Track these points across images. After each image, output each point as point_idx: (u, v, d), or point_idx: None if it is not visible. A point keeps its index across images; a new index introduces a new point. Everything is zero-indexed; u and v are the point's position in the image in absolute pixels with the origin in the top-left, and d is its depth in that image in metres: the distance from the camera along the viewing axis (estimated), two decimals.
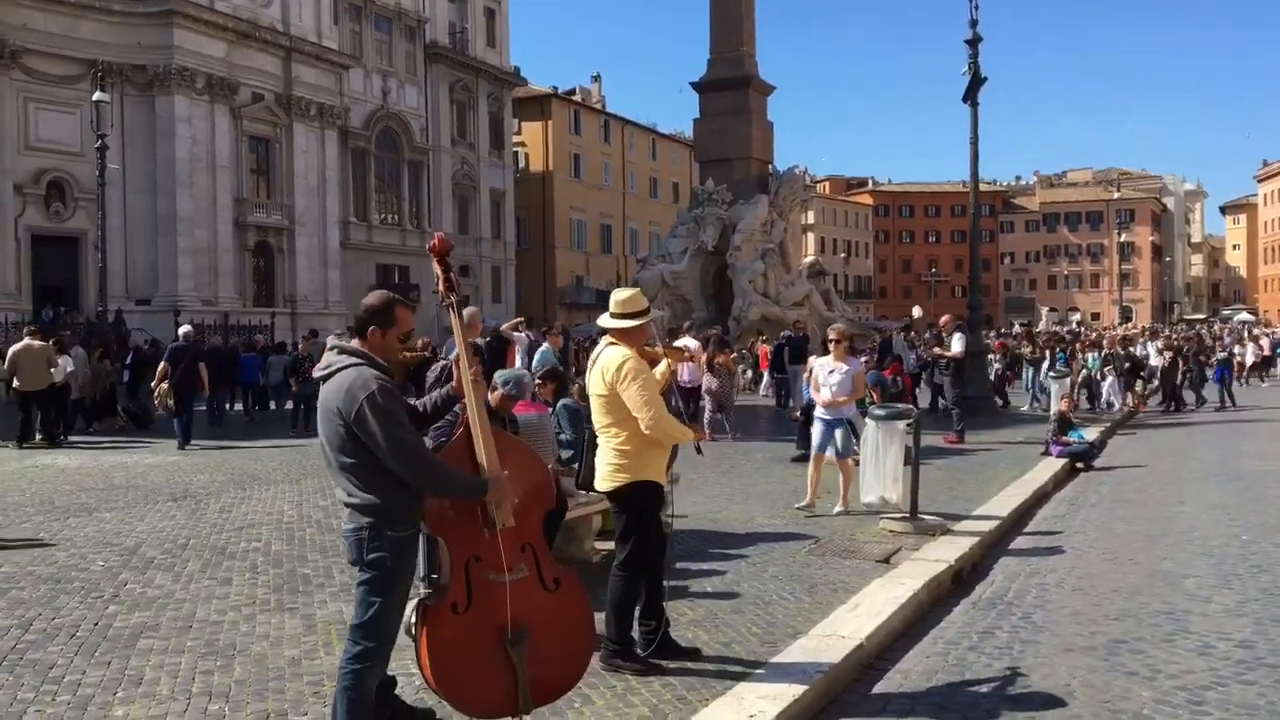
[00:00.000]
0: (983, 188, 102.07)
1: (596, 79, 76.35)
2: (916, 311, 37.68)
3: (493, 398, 6.56)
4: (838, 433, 9.53)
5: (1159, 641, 5.92)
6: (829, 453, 9.63)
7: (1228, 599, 6.86)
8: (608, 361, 5.18)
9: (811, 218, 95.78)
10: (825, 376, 9.58)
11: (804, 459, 13.15)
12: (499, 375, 6.52)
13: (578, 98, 70.03)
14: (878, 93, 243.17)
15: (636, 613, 5.29)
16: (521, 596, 4.17)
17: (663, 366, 5.47)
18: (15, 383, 15.81)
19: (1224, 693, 5.05)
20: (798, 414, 14.18)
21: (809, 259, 40.32)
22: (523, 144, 63.64)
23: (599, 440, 5.30)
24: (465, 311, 12.48)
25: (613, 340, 5.30)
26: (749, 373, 29.80)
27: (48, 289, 40.18)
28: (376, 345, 4.07)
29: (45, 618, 6.03)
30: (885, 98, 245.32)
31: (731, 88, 35.59)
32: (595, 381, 5.23)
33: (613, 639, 5.17)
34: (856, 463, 9.59)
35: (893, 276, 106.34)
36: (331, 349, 4.12)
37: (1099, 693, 5.10)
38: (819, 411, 9.72)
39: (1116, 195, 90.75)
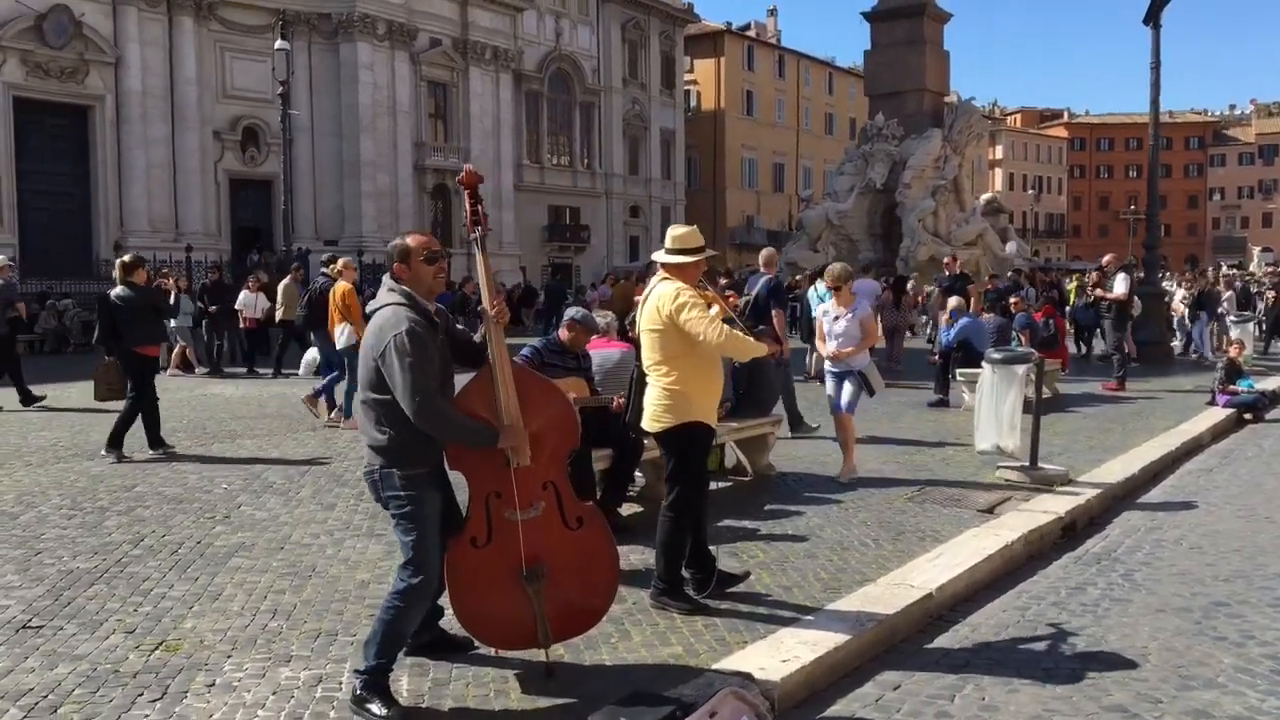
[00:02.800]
0: (1191, 118, 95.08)
1: (772, 12, 74.63)
2: (1107, 258, 35.87)
3: (562, 333, 6.61)
4: (847, 385, 8.41)
5: (1264, 606, 5.46)
6: (840, 410, 8.43)
7: None
8: (662, 294, 5.11)
9: (1000, 153, 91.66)
10: (830, 325, 8.44)
11: (942, 404, 12.79)
12: (569, 310, 6.54)
13: (752, 33, 68.78)
14: (1072, 17, 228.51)
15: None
16: (540, 534, 4.20)
17: (715, 310, 5.35)
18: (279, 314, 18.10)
19: None
20: (935, 356, 13.69)
21: (986, 195, 38.53)
22: (694, 82, 63.16)
23: (648, 379, 5.24)
24: (764, 252, 12.49)
25: (666, 276, 5.22)
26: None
27: (245, 230, 42.81)
28: (410, 280, 4.12)
29: (156, 535, 6.49)
30: (1079, 22, 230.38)
31: (904, 15, 34.21)
32: (649, 315, 5.16)
33: (661, 578, 5.16)
34: None
35: (1088, 214, 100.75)
36: (384, 286, 4.19)
37: (1176, 656, 4.76)
38: (827, 365, 8.57)
39: None
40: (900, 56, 33.92)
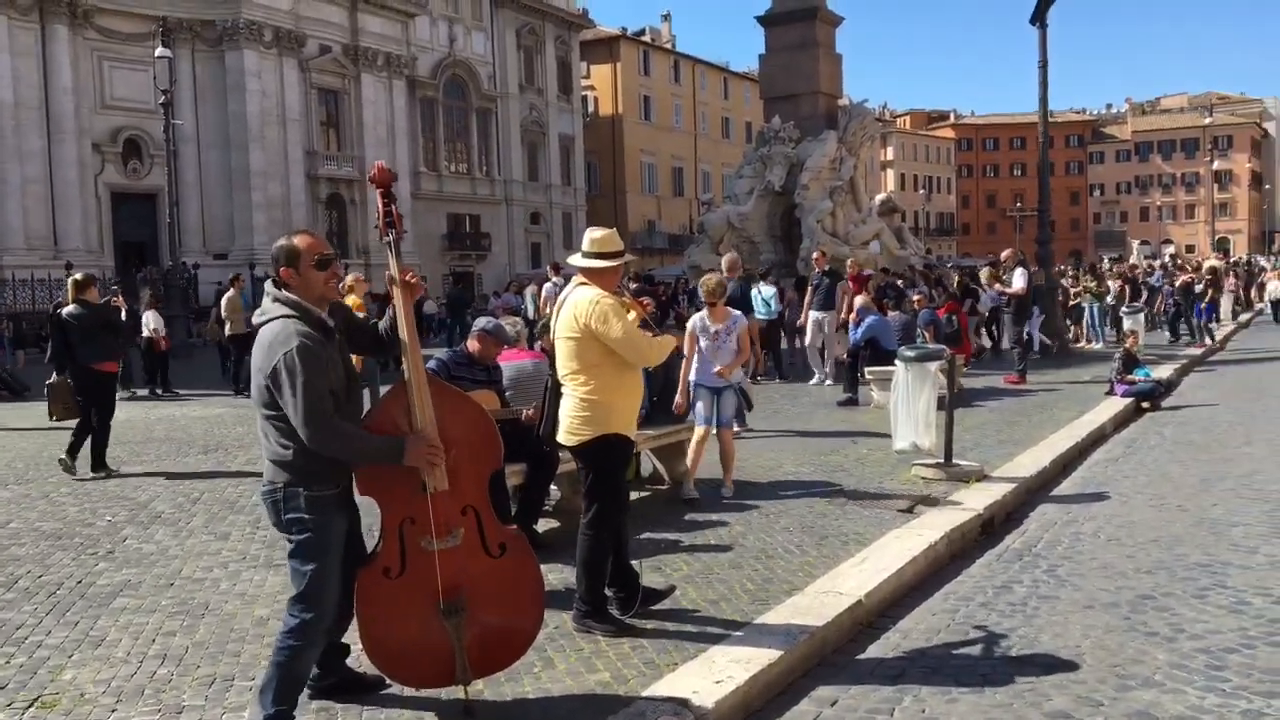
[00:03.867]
0: (1070, 117, 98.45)
1: (666, 18, 75.05)
2: (1005, 254, 36.69)
3: (471, 344, 6.31)
4: (728, 399, 7.94)
5: (1189, 598, 5.45)
6: (711, 424, 7.91)
7: (1276, 549, 6.32)
8: (580, 300, 4.84)
9: (891, 154, 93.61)
10: (710, 344, 7.83)
11: (851, 403, 12.79)
12: (478, 320, 6.25)
13: (647, 38, 69.04)
14: (957, 21, 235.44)
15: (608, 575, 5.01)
16: (459, 563, 3.90)
17: (632, 317, 5.12)
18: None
19: (1249, 656, 4.59)
20: (844, 356, 13.71)
21: (881, 196, 39.13)
22: (592, 88, 63.07)
23: (564, 389, 4.97)
24: (727, 256, 12.74)
25: (584, 281, 4.95)
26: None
27: (129, 245, 41.19)
28: (299, 287, 3.76)
29: (32, 575, 5.99)
30: (964, 26, 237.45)
31: (797, 20, 34.44)
32: (565, 323, 4.89)
33: (583, 599, 4.90)
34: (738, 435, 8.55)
35: (976, 212, 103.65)
36: (268, 295, 3.82)
37: (1110, 655, 4.68)
38: (695, 380, 7.92)
39: (1208, 121, 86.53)
40: (794, 60, 34.15)
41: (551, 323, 5.09)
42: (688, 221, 62.19)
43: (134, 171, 41.09)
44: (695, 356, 7.84)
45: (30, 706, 4.11)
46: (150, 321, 17.47)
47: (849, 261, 17.08)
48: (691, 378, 7.89)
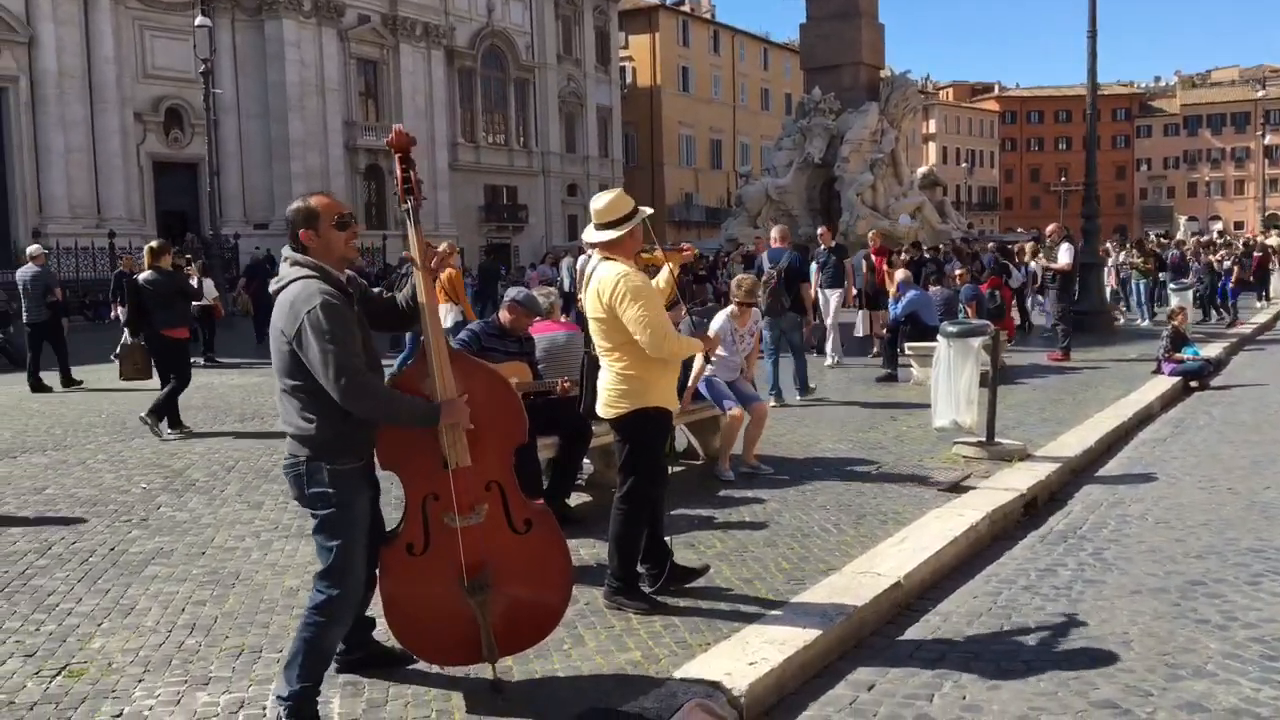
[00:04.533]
0: (1117, 90, 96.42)
1: None
2: (1051, 228, 36.39)
3: (502, 315, 6.21)
4: (744, 388, 7.86)
5: (1241, 584, 5.26)
6: (728, 405, 7.61)
7: None
8: (602, 279, 4.68)
9: (933, 126, 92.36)
10: (733, 345, 7.73)
11: (891, 378, 12.59)
12: (509, 291, 6.14)
13: (686, 7, 68.31)
14: None
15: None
16: (483, 539, 3.80)
17: (665, 273, 4.98)
18: None
19: None
20: (884, 331, 13.50)
21: (922, 169, 38.61)
22: (629, 58, 62.62)
23: (601, 364, 4.86)
24: (777, 228, 12.68)
25: (605, 255, 4.78)
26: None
27: (171, 214, 41.48)
28: (319, 249, 3.65)
29: (66, 542, 5.99)
30: None
31: None
32: (591, 303, 4.75)
33: (615, 575, 4.81)
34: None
35: (1020, 186, 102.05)
36: (285, 259, 3.71)
37: (1160, 643, 4.52)
38: (713, 374, 7.74)
39: (1260, 94, 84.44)
40: (836, 30, 33.71)
41: (580, 294, 4.95)
42: (725, 194, 61.74)
43: (175, 141, 41.32)
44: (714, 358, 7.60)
45: (58, 674, 4.08)
46: (210, 289, 17.52)
47: (870, 234, 16.68)
48: (709, 374, 7.67)
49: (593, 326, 4.80)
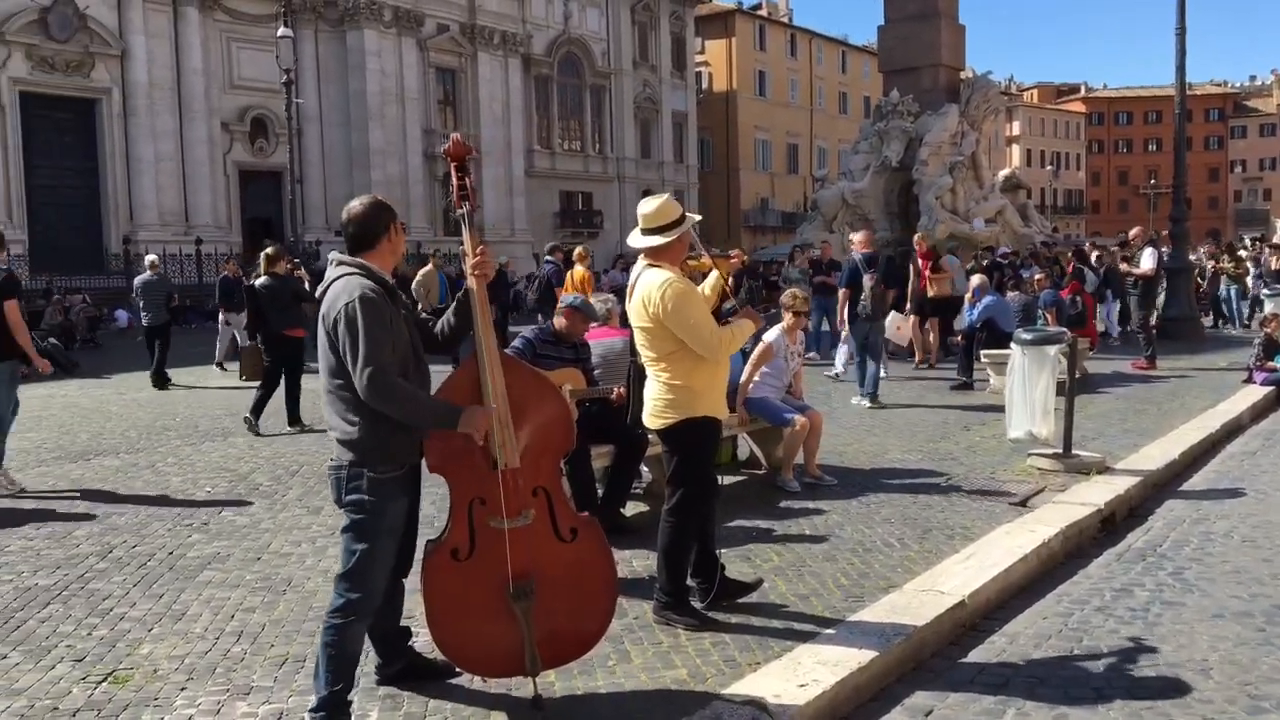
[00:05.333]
0: (1211, 90, 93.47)
1: None
2: (1134, 232, 35.29)
3: (557, 321, 6.13)
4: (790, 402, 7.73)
5: None
6: (789, 415, 7.45)
7: None
8: (648, 287, 4.54)
9: (1017, 129, 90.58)
10: (782, 365, 7.65)
11: (966, 387, 12.26)
12: (565, 296, 6.05)
13: (763, 12, 67.90)
14: None
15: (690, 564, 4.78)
16: (528, 545, 3.73)
17: (712, 279, 4.84)
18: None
19: None
20: (958, 338, 13.15)
21: (1004, 172, 37.74)
22: (705, 63, 62.45)
23: (648, 373, 4.73)
24: (861, 233, 12.37)
25: (651, 261, 4.65)
26: None
27: (255, 221, 42.45)
28: (387, 250, 3.72)
29: (127, 545, 6.06)
30: None
31: None
32: (637, 311, 4.62)
33: (664, 590, 4.68)
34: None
35: (1107, 189, 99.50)
36: (332, 261, 3.74)
37: (1241, 671, 4.25)
38: (768, 390, 7.63)
39: None
40: (915, 31, 33.07)
41: (626, 304, 4.84)
42: (802, 199, 61.15)
43: (260, 150, 42.26)
44: (758, 373, 7.50)
45: (104, 680, 4.09)
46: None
47: (916, 237, 15.87)
48: (759, 395, 7.51)
49: (638, 336, 4.69)
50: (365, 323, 3.45)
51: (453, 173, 3.96)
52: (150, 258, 16.00)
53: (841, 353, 13.31)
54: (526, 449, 3.77)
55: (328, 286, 3.64)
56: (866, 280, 11.29)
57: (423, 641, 4.12)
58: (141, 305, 14.92)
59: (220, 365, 16.47)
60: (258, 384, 10.61)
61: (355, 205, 3.74)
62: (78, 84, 37.08)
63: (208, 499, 7.29)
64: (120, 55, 37.68)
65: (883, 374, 11.66)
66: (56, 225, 36.26)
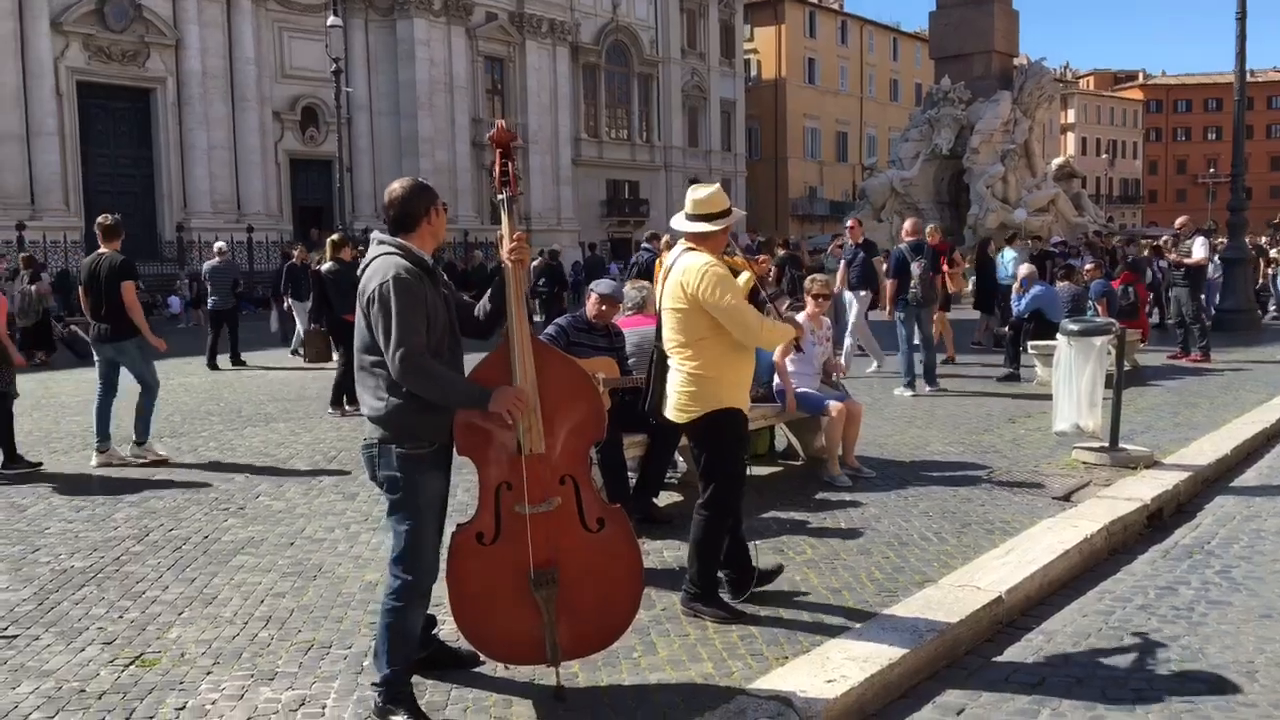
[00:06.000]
0: (1273, 76, 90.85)
1: None
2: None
3: (589, 309, 6.08)
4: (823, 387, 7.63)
5: None
6: (827, 403, 7.30)
7: None
8: (688, 268, 4.49)
9: (1072, 116, 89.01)
10: (811, 350, 7.42)
11: (1013, 378, 12.05)
12: (595, 283, 6.00)
13: None
14: None
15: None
16: (552, 533, 3.69)
17: (745, 277, 4.76)
18: None
19: None
20: (1004, 328, 12.92)
21: (1058, 160, 37.10)
22: (754, 51, 62.05)
23: (670, 363, 4.64)
24: (910, 221, 12.26)
25: (691, 246, 4.60)
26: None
27: (306, 209, 42.92)
28: (428, 232, 3.71)
29: (163, 529, 6.11)
30: None
31: None
32: (672, 292, 4.55)
33: (694, 582, 4.61)
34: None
35: (1164, 179, 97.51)
36: (374, 240, 3.76)
37: None
38: (800, 380, 7.47)
39: None
40: (967, 17, 32.63)
41: (657, 291, 4.77)
42: (850, 188, 60.63)
43: (311, 139, 42.67)
44: (790, 363, 7.35)
45: (131, 664, 4.11)
46: None
47: (929, 229, 15.12)
48: (795, 385, 7.36)
49: (669, 319, 4.61)
50: (399, 303, 3.47)
51: (496, 158, 3.94)
52: (219, 245, 17.01)
53: (846, 344, 13.20)
54: (555, 436, 3.73)
55: (368, 265, 3.66)
56: (915, 268, 11.40)
57: (448, 630, 4.10)
58: (210, 290, 15.59)
59: (295, 351, 16.67)
60: (319, 365, 10.98)
61: (395, 187, 3.74)
62: (133, 74, 37.67)
63: (246, 483, 7.34)
64: (175, 45, 38.19)
65: (918, 368, 11.40)
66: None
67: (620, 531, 3.85)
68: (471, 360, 3.72)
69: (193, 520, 6.31)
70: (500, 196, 3.88)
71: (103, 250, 8.23)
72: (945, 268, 13.86)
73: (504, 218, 3.84)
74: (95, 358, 8.32)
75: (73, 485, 7.40)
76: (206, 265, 16.26)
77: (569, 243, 44.70)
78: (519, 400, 3.59)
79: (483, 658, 3.96)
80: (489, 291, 3.87)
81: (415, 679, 3.81)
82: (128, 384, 8.28)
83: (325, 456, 8.28)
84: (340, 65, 28.83)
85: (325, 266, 10.96)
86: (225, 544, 5.79)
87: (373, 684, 3.67)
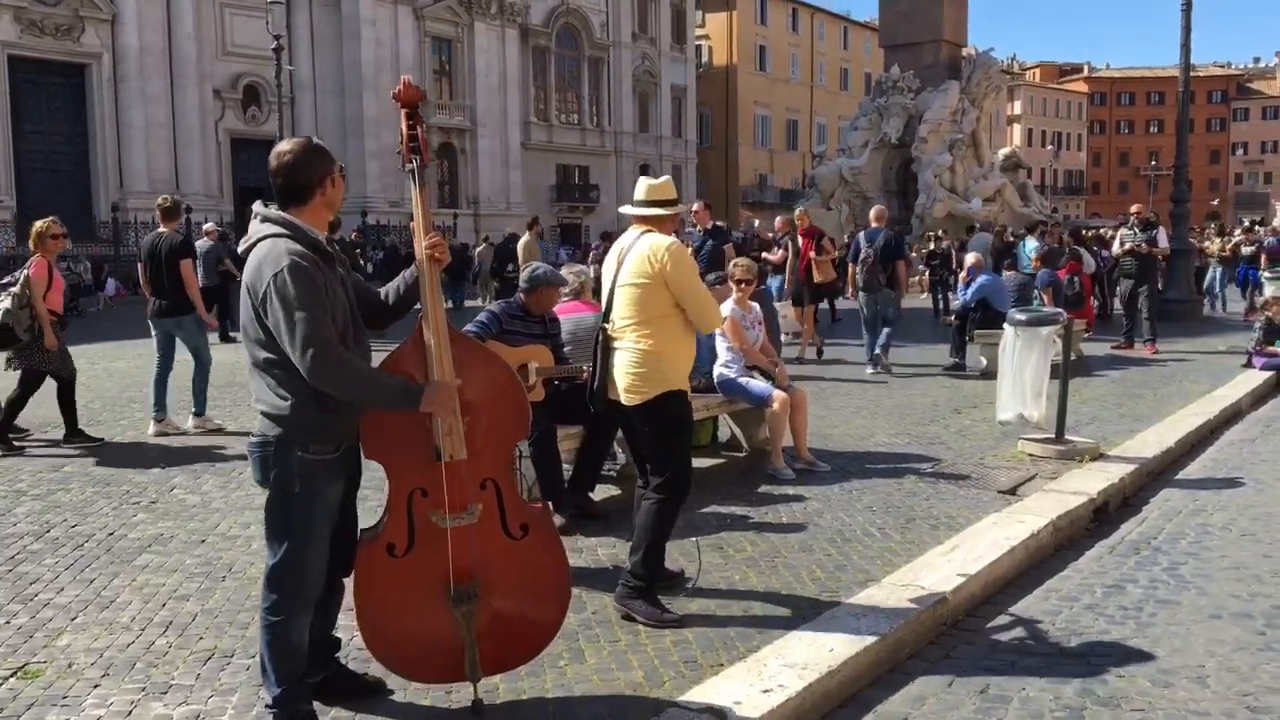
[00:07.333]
0: (1213, 71, 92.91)
1: None
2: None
3: (523, 296, 5.80)
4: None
5: None
6: (765, 393, 7.07)
7: None
8: (654, 245, 4.39)
9: (1019, 108, 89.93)
10: (752, 332, 7.36)
11: (958, 368, 11.96)
12: (530, 267, 5.73)
13: None
14: None
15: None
16: (474, 544, 3.40)
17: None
18: None
19: None
20: (951, 318, 12.83)
21: (1004, 150, 37.31)
22: (706, 37, 61.81)
23: (618, 343, 4.44)
24: (875, 209, 12.11)
25: (648, 228, 4.53)
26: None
27: (247, 190, 41.97)
28: (330, 199, 3.34)
29: (67, 525, 5.75)
30: None
31: None
32: (635, 268, 4.39)
33: (635, 573, 4.36)
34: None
35: (1108, 170, 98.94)
36: (255, 216, 3.33)
37: (1240, 679, 3.95)
38: (731, 366, 7.24)
39: None
40: (917, 5, 32.63)
41: (607, 273, 4.56)
42: (801, 176, 60.65)
43: (253, 118, 41.73)
44: (727, 353, 7.20)
45: (13, 675, 3.78)
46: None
47: (798, 213, 14.50)
48: (730, 374, 7.18)
49: (626, 296, 4.42)
50: (300, 297, 3.08)
51: (402, 120, 3.57)
52: (207, 225, 17.75)
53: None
54: (476, 438, 3.41)
55: (251, 246, 3.26)
56: (862, 253, 12.08)
57: (354, 655, 3.81)
58: (200, 270, 15.38)
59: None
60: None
61: (284, 148, 3.31)
62: (67, 48, 36.55)
63: (160, 476, 6.97)
64: (111, 20, 37.13)
65: (878, 346, 12.05)
66: (47, 190, 35.71)
67: (545, 538, 3.57)
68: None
69: (99, 515, 5.95)
70: (409, 166, 3.53)
71: (162, 230, 8.74)
72: (810, 255, 13.61)
73: (414, 191, 3.49)
74: (153, 332, 8.66)
75: None
76: (198, 244, 15.90)
77: (518, 227, 44.17)
78: (454, 398, 3.28)
79: (391, 684, 3.66)
80: (404, 274, 3.56)
81: (317, 705, 3.49)
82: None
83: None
84: (282, 43, 28.22)
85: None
86: (131, 542, 5.44)
87: (266, 705, 3.36)
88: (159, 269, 8.46)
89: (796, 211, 13.86)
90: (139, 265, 8.91)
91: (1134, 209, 14.43)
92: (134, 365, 13.14)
